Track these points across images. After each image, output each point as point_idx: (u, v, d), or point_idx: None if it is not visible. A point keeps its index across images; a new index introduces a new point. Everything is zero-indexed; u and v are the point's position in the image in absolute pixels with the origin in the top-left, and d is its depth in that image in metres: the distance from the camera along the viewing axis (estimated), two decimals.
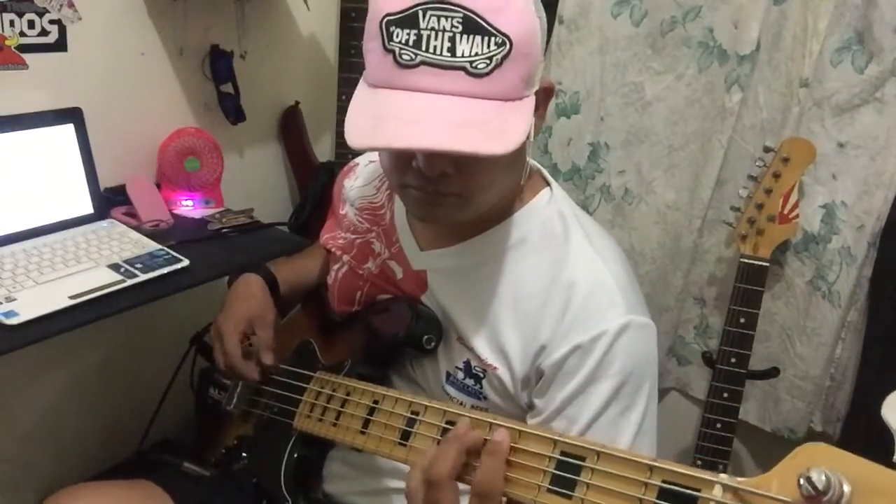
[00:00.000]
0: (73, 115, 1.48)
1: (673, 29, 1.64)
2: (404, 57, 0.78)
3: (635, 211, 1.81)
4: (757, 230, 1.53)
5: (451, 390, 0.99)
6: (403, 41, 0.78)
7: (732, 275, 1.58)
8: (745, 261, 1.55)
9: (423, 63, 0.77)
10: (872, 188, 1.51)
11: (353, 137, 0.78)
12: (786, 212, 1.52)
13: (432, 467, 0.73)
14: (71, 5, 1.47)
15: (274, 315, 1.16)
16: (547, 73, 1.74)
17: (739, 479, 0.55)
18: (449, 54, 0.77)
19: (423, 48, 0.77)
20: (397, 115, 0.78)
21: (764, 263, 1.54)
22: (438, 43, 0.77)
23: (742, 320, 1.55)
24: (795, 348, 1.66)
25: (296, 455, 1.07)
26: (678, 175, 1.74)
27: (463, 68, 0.77)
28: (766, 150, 1.53)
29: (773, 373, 1.66)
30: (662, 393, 1.95)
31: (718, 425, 1.57)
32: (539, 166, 1.04)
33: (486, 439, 0.73)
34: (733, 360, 1.56)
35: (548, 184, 1.01)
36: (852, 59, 1.48)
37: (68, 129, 1.47)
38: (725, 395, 1.57)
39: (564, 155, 1.81)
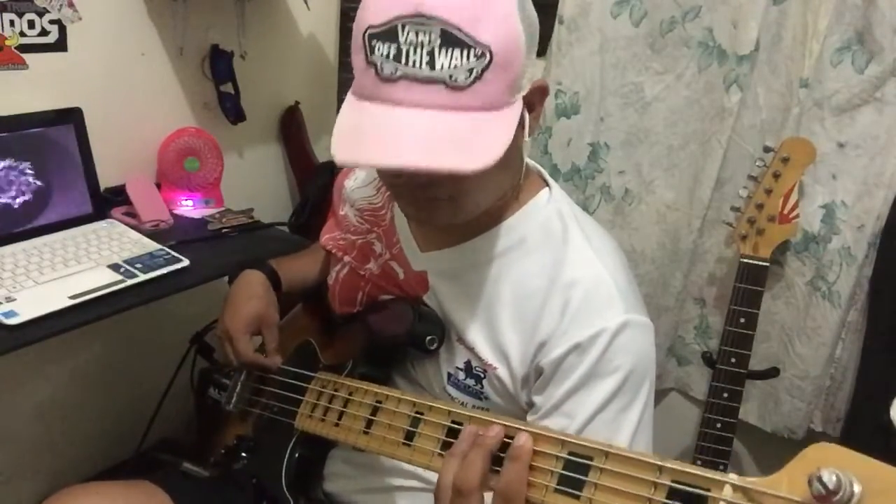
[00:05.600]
0: (73, 115, 1.48)
1: (672, 29, 1.64)
2: (385, 70, 0.78)
3: (635, 211, 1.81)
4: (757, 230, 1.53)
5: (453, 391, 0.99)
6: (385, 54, 0.78)
7: (732, 275, 1.58)
8: (745, 261, 1.55)
9: (403, 77, 0.77)
10: (872, 188, 1.51)
11: (336, 154, 0.79)
12: (786, 212, 1.52)
13: (461, 476, 0.71)
14: (71, 5, 1.46)
15: (278, 314, 1.17)
16: (547, 73, 1.75)
17: (749, 478, 0.55)
18: (428, 68, 0.76)
19: (404, 62, 0.77)
20: (377, 132, 0.78)
21: (764, 263, 1.54)
22: (418, 57, 0.76)
23: (742, 320, 1.54)
24: (795, 348, 1.66)
25: (297, 455, 1.07)
26: (678, 175, 1.74)
27: (443, 82, 0.77)
28: (766, 150, 1.53)
29: (773, 373, 1.65)
30: (662, 393, 1.95)
31: (718, 425, 1.57)
32: (538, 166, 1.04)
33: (506, 441, 0.72)
34: (733, 360, 1.56)
35: (547, 184, 1.01)
36: (852, 59, 1.48)
37: (68, 129, 1.47)
38: (725, 395, 1.57)
39: (564, 155, 1.81)
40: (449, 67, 0.76)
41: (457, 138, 0.77)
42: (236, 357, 1.12)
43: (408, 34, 0.76)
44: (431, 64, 0.76)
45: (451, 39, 0.76)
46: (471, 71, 0.76)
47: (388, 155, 0.77)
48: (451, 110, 0.77)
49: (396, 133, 0.77)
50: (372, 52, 0.79)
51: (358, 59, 0.81)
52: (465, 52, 0.76)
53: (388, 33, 0.77)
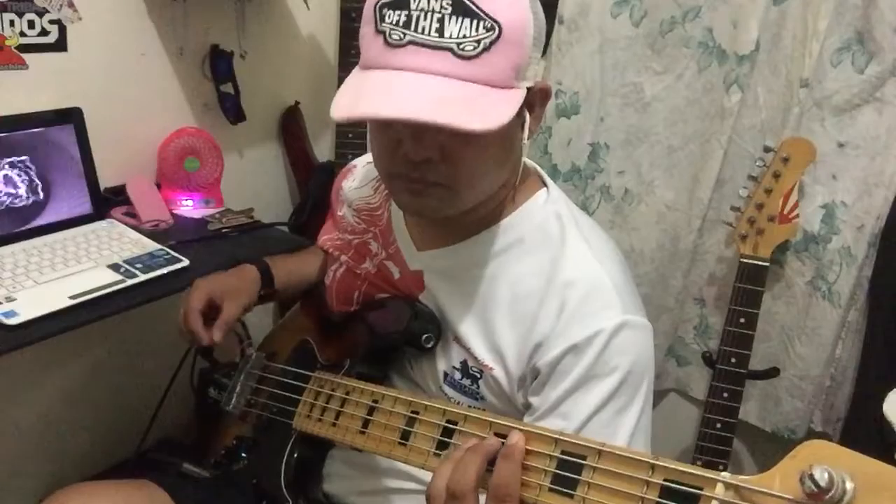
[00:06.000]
0: (73, 115, 1.48)
1: (672, 29, 1.64)
2: (393, 37, 0.79)
3: (635, 211, 1.81)
4: (757, 230, 1.53)
5: (449, 390, 0.99)
6: (394, 22, 0.79)
7: (732, 275, 1.58)
8: (745, 261, 1.55)
9: (410, 42, 0.78)
10: (872, 188, 1.51)
11: (334, 111, 0.79)
12: (786, 212, 1.52)
13: (456, 479, 0.71)
14: (71, 5, 1.47)
15: (249, 300, 1.18)
16: (547, 73, 1.75)
17: (741, 476, 0.55)
18: (437, 35, 0.77)
19: (412, 28, 0.78)
20: (380, 91, 0.79)
21: (764, 263, 1.54)
22: (427, 23, 0.77)
23: (742, 320, 1.54)
24: (795, 348, 1.66)
25: (296, 455, 1.06)
26: (678, 175, 1.74)
27: (450, 49, 0.77)
28: (766, 150, 1.53)
29: (773, 373, 1.65)
30: (662, 393, 1.95)
31: (718, 425, 1.57)
32: (537, 167, 1.04)
33: (502, 443, 0.72)
34: (733, 360, 1.56)
35: (545, 185, 1.01)
36: (852, 59, 1.48)
37: (68, 129, 1.47)
38: (725, 395, 1.57)
39: (564, 155, 1.81)
40: (458, 36, 0.77)
41: (461, 100, 0.77)
42: (183, 306, 1.12)
43: (420, 1, 0.78)
44: (440, 31, 0.77)
45: (462, 8, 0.77)
46: (479, 42, 0.77)
47: (388, 108, 0.77)
48: (456, 79, 0.78)
49: (400, 89, 0.78)
50: (382, 20, 0.80)
51: (367, 31, 0.82)
52: (474, 23, 0.77)
53: (400, 1, 0.78)
